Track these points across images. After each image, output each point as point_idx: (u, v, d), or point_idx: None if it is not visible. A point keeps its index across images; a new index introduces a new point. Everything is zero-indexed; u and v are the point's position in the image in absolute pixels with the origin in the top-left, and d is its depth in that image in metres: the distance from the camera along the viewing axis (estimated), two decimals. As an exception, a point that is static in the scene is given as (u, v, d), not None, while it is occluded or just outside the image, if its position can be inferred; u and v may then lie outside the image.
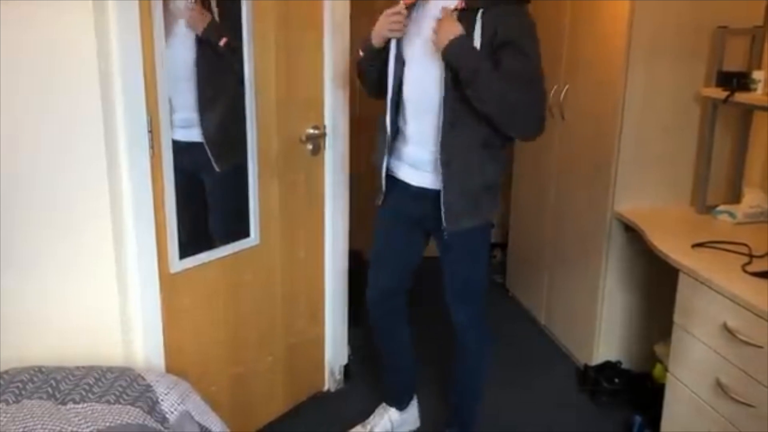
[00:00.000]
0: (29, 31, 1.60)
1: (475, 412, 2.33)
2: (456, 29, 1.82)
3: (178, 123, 1.99)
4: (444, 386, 2.61)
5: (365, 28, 2.07)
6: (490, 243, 2.17)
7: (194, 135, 2.10)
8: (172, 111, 1.95)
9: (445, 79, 1.88)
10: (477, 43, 1.84)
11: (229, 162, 2.19)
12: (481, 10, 1.84)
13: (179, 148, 1.97)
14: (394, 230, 2.21)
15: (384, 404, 2.47)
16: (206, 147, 2.11)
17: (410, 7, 1.96)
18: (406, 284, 2.28)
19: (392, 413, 2.44)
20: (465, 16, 1.85)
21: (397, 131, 2.07)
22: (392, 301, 2.30)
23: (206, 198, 2.24)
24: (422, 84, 1.96)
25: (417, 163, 2.03)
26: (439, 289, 2.16)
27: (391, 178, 2.12)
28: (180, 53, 2.00)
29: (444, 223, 1.96)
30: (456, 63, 1.83)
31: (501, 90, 1.83)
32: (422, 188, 2.03)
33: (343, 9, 2.42)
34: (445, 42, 1.82)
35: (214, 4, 2.04)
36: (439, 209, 1.95)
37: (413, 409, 2.50)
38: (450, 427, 2.35)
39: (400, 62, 2.00)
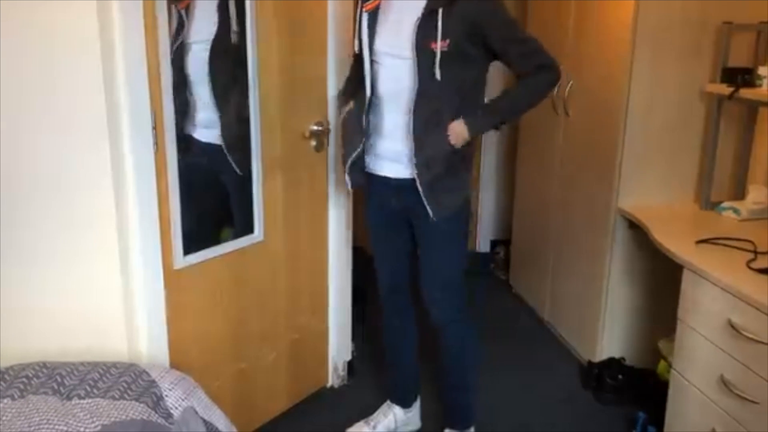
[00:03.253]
0: (32, 29, 1.60)
1: (470, 408, 2.33)
2: (463, 131, 1.94)
3: (199, 123, 2.03)
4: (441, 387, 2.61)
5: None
6: (467, 231, 2.17)
7: (212, 136, 2.13)
8: (195, 110, 1.98)
9: (418, 80, 1.91)
10: (439, 42, 1.86)
11: (247, 165, 2.20)
12: (440, 10, 1.86)
13: (198, 147, 2.02)
14: (383, 228, 2.23)
15: (388, 402, 2.47)
16: (226, 151, 2.15)
17: (375, 10, 1.99)
18: (407, 279, 2.28)
19: (397, 411, 2.45)
20: (428, 19, 1.87)
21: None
22: (397, 298, 2.31)
23: (225, 196, 2.27)
24: (398, 81, 1.97)
25: (395, 156, 2.04)
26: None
27: (370, 176, 2.13)
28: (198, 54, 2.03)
29: (429, 209, 1.97)
30: (487, 131, 2.13)
31: (526, 103, 2.06)
32: (402, 179, 2.04)
33: (347, 5, 2.41)
34: (465, 137, 1.95)
35: (233, 5, 2.05)
36: (419, 196, 1.97)
37: (417, 409, 2.50)
38: (448, 427, 2.35)
39: (371, 60, 2.01)
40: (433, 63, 1.88)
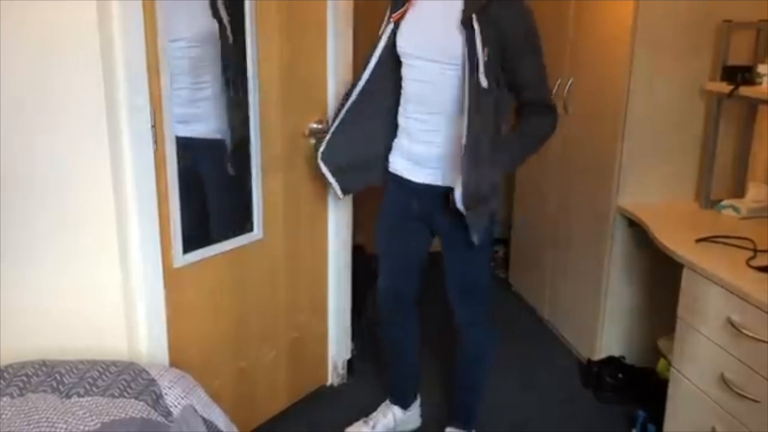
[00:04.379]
0: (30, 26, 1.59)
1: (475, 411, 2.33)
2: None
3: (196, 120, 2.02)
4: (445, 385, 2.62)
5: (368, 23, 2.07)
6: (493, 239, 2.16)
7: (211, 133, 2.12)
8: (193, 107, 1.99)
9: (466, 88, 1.84)
10: (479, 50, 1.81)
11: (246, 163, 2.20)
12: (474, 16, 1.82)
13: (196, 144, 2.02)
14: (396, 229, 2.20)
15: (388, 401, 2.47)
16: (225, 149, 2.15)
17: (398, 21, 1.98)
18: (414, 283, 2.27)
19: (396, 411, 2.44)
20: (466, 24, 1.84)
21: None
22: (401, 300, 2.30)
23: (210, 193, 2.25)
24: (432, 84, 1.95)
25: (421, 159, 2.02)
26: (439, 287, 2.16)
27: (392, 176, 2.12)
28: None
29: (474, 237, 1.92)
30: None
31: (532, 146, 2.02)
32: (427, 185, 2.02)
33: (347, 4, 2.41)
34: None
35: (221, 5, 2.04)
36: (447, 205, 1.91)
37: (416, 408, 2.50)
38: (450, 425, 2.35)
39: (397, 60, 2.00)
40: (478, 70, 1.82)
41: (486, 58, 1.82)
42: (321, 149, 2.15)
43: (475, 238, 1.93)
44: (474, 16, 1.81)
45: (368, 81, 2.05)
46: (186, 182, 1.96)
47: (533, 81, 1.93)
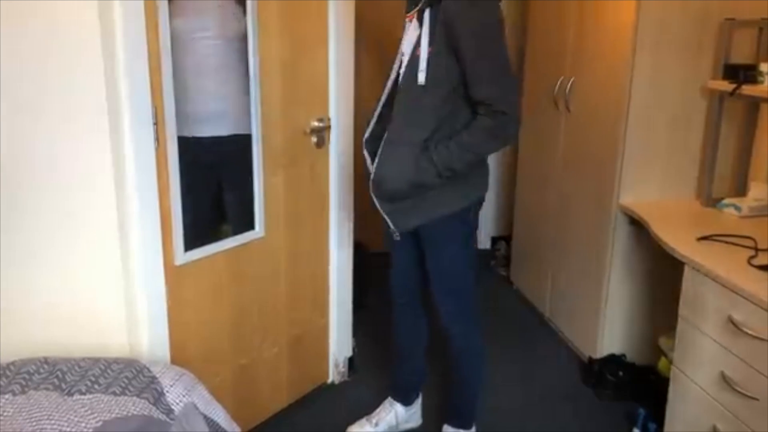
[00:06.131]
0: (32, 25, 1.59)
1: (472, 408, 2.33)
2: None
3: (198, 117, 2.03)
4: (444, 384, 2.61)
5: (368, 23, 2.06)
6: (469, 232, 2.12)
7: (212, 130, 2.14)
8: (194, 104, 2.01)
9: (400, 88, 1.85)
10: (424, 46, 1.79)
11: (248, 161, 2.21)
12: (427, 10, 1.81)
13: (198, 142, 2.03)
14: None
15: (390, 398, 2.47)
16: (226, 147, 2.17)
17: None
18: (417, 284, 2.26)
19: (398, 408, 2.45)
20: (418, 18, 1.84)
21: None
22: (405, 298, 2.31)
23: (222, 190, 2.27)
24: (400, 91, 1.93)
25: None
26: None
27: None
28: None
29: (392, 226, 1.99)
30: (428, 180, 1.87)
31: (459, 153, 1.84)
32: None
33: (348, 2, 2.41)
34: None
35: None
36: None
37: (418, 406, 2.50)
38: (448, 423, 2.35)
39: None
40: (417, 68, 1.81)
41: (428, 55, 1.79)
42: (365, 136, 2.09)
43: (395, 232, 1.99)
44: (427, 11, 1.80)
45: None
46: (187, 179, 1.96)
47: (482, 78, 1.80)
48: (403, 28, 1.99)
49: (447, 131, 1.86)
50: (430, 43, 1.81)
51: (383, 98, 2.01)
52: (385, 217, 1.99)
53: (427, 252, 2.11)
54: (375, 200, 1.97)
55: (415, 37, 1.87)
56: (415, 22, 1.90)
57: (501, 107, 1.81)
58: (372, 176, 1.96)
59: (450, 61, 1.81)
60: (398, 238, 2.02)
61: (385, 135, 1.92)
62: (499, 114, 1.82)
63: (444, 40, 1.79)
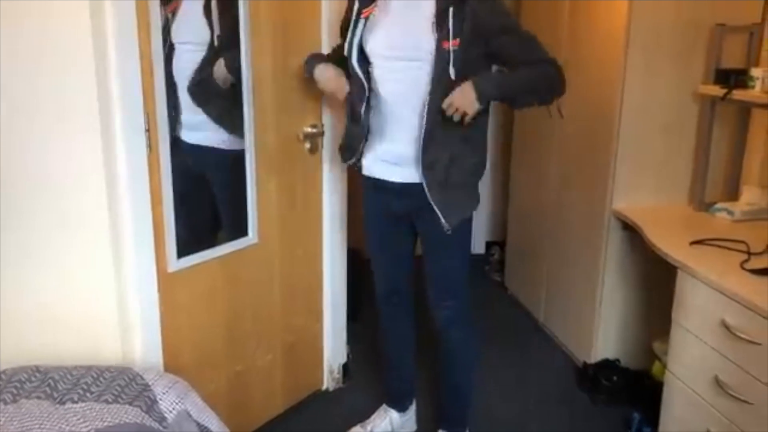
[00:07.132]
0: (25, 30, 1.59)
1: (465, 411, 2.33)
2: (471, 94, 1.85)
3: (189, 124, 2.02)
4: (436, 389, 2.61)
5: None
6: (469, 239, 2.15)
7: (204, 138, 2.13)
8: (179, 112, 1.97)
9: (432, 80, 1.87)
10: (450, 42, 1.84)
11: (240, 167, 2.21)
12: (451, 9, 1.83)
13: (190, 149, 2.02)
14: (383, 232, 2.21)
15: (385, 405, 2.47)
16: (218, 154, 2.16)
17: (368, 17, 1.97)
18: (406, 285, 2.27)
19: (393, 415, 2.44)
20: (440, 18, 1.85)
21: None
22: (396, 301, 2.30)
23: (214, 198, 2.26)
24: (402, 83, 1.95)
25: (398, 159, 2.01)
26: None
27: (368, 179, 2.11)
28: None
29: (443, 220, 1.96)
30: (495, 98, 1.95)
31: (533, 89, 1.95)
32: (407, 184, 2.01)
33: (340, 7, 2.41)
34: (475, 106, 1.87)
35: (214, 8, 2.04)
36: (426, 201, 1.95)
37: (412, 412, 2.50)
38: (442, 428, 2.35)
39: (365, 60, 1.99)
40: (448, 63, 1.85)
41: (455, 50, 1.84)
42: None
43: (446, 226, 1.96)
44: (451, 10, 1.83)
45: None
46: (180, 186, 1.96)
47: (524, 51, 1.92)
48: (351, 26, 1.99)
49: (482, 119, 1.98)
50: (454, 37, 1.84)
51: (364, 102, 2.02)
52: (437, 210, 1.95)
53: (431, 255, 2.11)
54: (427, 191, 1.94)
55: (428, 36, 1.88)
56: (395, 17, 1.94)
57: (549, 58, 1.95)
58: (422, 162, 1.94)
59: (479, 52, 1.89)
60: (449, 232, 1.99)
61: (424, 126, 1.91)
62: (559, 69, 1.95)
63: (470, 36, 1.84)
